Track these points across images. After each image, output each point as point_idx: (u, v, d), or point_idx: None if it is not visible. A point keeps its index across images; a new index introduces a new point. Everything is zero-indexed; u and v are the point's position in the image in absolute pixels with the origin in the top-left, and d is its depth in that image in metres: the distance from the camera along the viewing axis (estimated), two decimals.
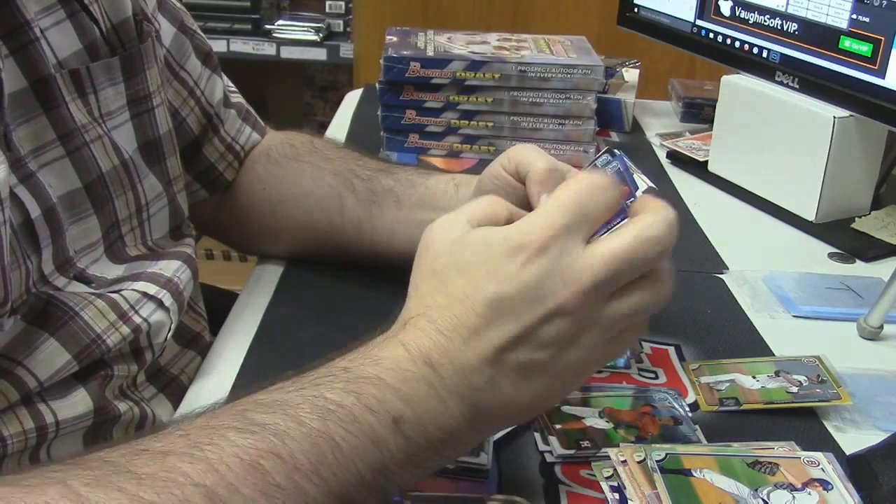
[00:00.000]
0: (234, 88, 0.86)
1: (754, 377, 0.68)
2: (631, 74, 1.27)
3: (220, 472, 0.41)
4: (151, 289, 0.66)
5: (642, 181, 0.57)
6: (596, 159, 0.61)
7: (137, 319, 0.64)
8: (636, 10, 1.22)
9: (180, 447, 0.42)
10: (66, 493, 0.38)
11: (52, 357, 0.58)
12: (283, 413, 0.44)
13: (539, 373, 0.49)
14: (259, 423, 0.43)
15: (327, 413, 0.44)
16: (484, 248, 0.49)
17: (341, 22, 2.43)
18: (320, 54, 2.37)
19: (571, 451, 0.58)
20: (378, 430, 0.45)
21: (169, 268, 0.69)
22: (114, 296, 0.63)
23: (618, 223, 0.51)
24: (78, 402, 0.61)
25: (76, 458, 0.42)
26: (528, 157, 0.59)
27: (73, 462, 0.41)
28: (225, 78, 0.84)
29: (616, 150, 0.59)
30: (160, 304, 0.66)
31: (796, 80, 0.98)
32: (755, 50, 1.03)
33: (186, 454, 0.41)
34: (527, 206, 0.58)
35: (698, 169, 1.12)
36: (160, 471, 0.40)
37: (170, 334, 0.68)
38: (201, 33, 0.81)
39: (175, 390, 0.72)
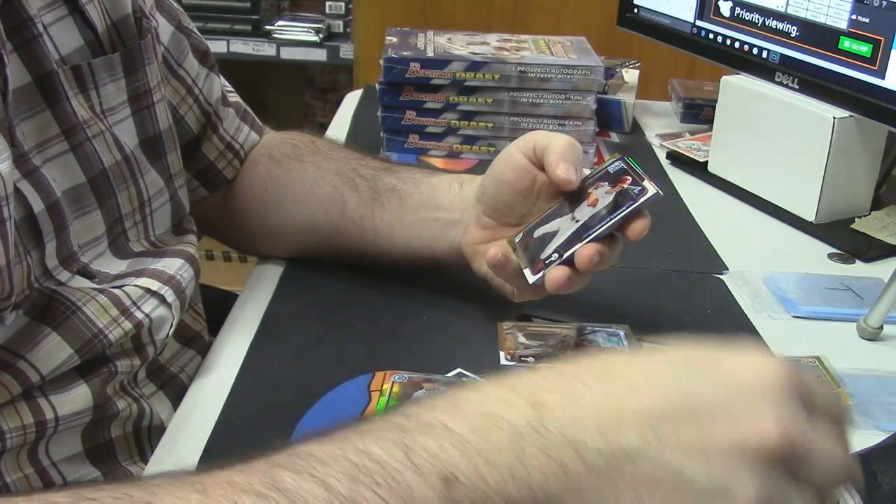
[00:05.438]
0: (231, 88, 0.86)
1: None
2: (631, 75, 1.27)
3: None
4: (154, 285, 0.66)
5: (651, 186, 0.60)
6: (608, 165, 0.65)
7: (139, 315, 0.64)
8: (636, 10, 1.22)
9: None
10: None
11: (54, 351, 0.58)
12: (311, 474, 0.37)
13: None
14: (282, 488, 0.37)
15: (362, 473, 0.37)
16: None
17: (341, 23, 2.42)
18: (320, 55, 2.37)
19: None
20: (417, 492, 0.37)
21: (172, 265, 0.69)
22: (116, 291, 0.63)
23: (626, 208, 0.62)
24: (78, 398, 0.61)
25: (78, 488, 0.37)
26: (545, 136, 0.68)
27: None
28: (222, 78, 0.84)
29: (618, 155, 0.67)
30: (162, 300, 0.66)
31: (796, 80, 0.98)
32: (755, 50, 1.03)
33: None
34: (538, 185, 0.68)
35: (698, 169, 1.12)
36: None
37: (171, 330, 0.68)
38: (198, 33, 0.81)
39: (175, 388, 0.72)
